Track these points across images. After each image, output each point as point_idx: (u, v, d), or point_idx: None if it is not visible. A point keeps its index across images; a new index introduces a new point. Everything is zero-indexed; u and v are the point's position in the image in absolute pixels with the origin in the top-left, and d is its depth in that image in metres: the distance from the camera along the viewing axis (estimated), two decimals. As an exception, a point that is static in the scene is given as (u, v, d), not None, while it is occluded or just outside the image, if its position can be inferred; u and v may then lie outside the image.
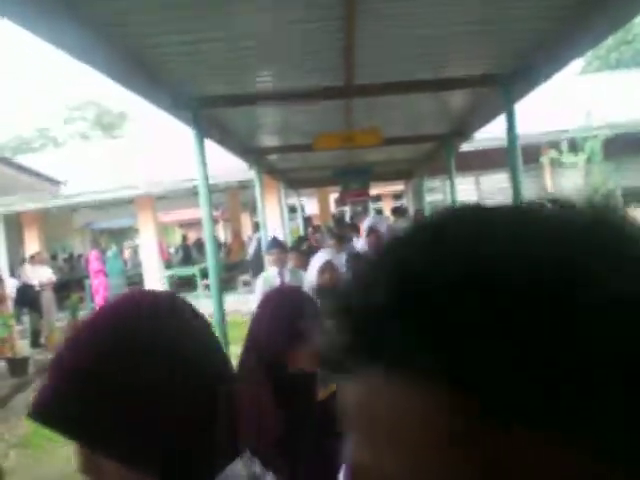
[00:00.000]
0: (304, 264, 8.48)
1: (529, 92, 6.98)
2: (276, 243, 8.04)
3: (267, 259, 8.09)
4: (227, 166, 14.09)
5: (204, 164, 6.70)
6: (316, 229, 21.28)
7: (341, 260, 8.69)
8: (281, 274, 7.55)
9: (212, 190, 7.10)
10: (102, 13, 4.36)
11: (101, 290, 20.31)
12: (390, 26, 5.35)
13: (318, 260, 5.42)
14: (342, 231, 12.35)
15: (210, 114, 7.35)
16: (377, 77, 6.78)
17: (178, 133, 7.27)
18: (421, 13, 5.10)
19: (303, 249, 10.30)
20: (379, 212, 32.03)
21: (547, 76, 6.45)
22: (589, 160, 15.80)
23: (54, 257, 25.59)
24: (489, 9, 5.08)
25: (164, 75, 5.95)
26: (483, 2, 4.91)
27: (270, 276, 7.67)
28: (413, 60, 6.41)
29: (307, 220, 27.40)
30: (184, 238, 30.14)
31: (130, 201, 22.13)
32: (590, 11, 4.84)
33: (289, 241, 17.14)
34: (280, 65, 6.33)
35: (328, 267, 5.24)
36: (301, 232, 20.84)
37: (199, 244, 26.16)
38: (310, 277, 5.40)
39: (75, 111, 56.71)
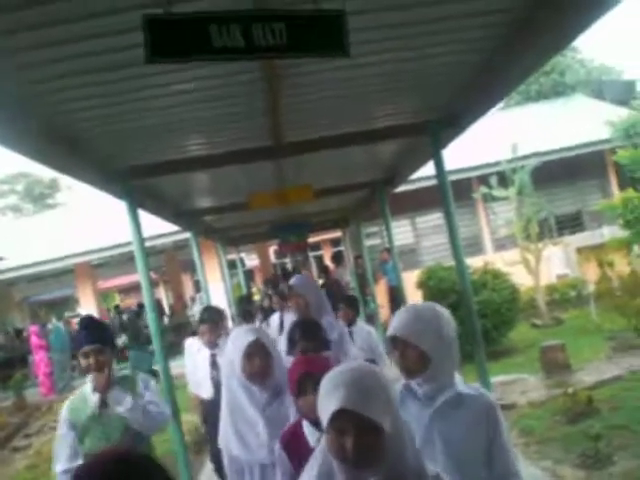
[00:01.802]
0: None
1: (456, 137, 7.11)
2: (208, 315, 7.26)
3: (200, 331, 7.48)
4: (162, 228, 13.97)
5: (139, 233, 6.62)
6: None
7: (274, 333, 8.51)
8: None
9: (149, 253, 7.12)
10: (20, 91, 4.27)
11: (42, 366, 19.82)
12: (311, 89, 5.43)
13: (240, 338, 4.04)
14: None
15: (141, 184, 7.27)
16: (305, 134, 6.84)
17: (111, 198, 7.16)
18: (339, 76, 5.17)
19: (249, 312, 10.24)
20: (320, 259, 32.19)
21: (472, 121, 6.58)
22: (520, 192, 16.11)
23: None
24: (407, 65, 5.17)
25: (91, 150, 5.86)
26: (400, 59, 4.99)
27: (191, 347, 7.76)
28: (339, 116, 6.48)
29: (248, 273, 27.33)
30: (116, 306, 29.64)
31: (68, 271, 21.87)
32: (507, 57, 4.95)
33: (231, 298, 17.07)
34: (208, 130, 6.32)
35: (255, 349, 3.98)
36: (243, 287, 20.74)
37: (134, 310, 25.77)
38: (233, 359, 4.08)
39: (4, 184, 55.81)
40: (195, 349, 7.38)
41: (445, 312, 2.93)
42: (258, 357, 3.93)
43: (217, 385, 6.52)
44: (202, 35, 2.44)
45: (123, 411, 4.33)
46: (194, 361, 7.33)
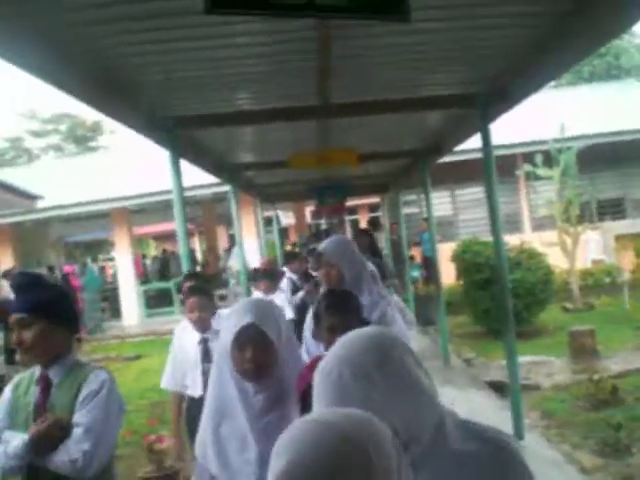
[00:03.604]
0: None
1: (505, 112, 6.99)
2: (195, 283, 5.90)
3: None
4: (201, 179, 14.01)
5: (180, 183, 6.64)
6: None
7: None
8: None
9: (187, 203, 6.98)
10: (72, 34, 4.28)
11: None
12: (362, 51, 5.38)
13: (233, 317, 2.85)
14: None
15: (185, 134, 7.28)
16: (353, 97, 6.79)
17: (152, 144, 7.17)
18: (392, 42, 5.11)
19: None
20: (355, 223, 32.15)
21: (522, 97, 6.47)
22: (564, 173, 15.90)
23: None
24: (463, 34, 5.09)
25: (138, 96, 5.89)
26: (457, 27, 4.91)
27: None
28: (388, 81, 6.42)
29: (283, 231, 27.38)
30: (164, 251, 29.93)
31: (105, 214, 22.05)
32: (565, 36, 4.85)
33: (265, 253, 17.14)
34: (256, 85, 6.30)
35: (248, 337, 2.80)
36: (277, 244, 20.80)
37: (175, 256, 25.99)
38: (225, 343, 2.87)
39: (48, 124, 56.23)
40: (180, 330, 5.77)
41: None
42: (252, 347, 2.70)
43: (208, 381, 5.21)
44: (262, -11, 2.42)
45: None
46: (179, 346, 5.64)
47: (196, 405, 4.90)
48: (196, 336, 5.41)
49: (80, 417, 3.09)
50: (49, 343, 3.15)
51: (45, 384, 3.19)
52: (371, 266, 5.57)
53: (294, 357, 2.94)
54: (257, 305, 2.82)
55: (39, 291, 3.22)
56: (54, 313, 3.18)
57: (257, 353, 2.68)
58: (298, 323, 6.16)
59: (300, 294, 8.76)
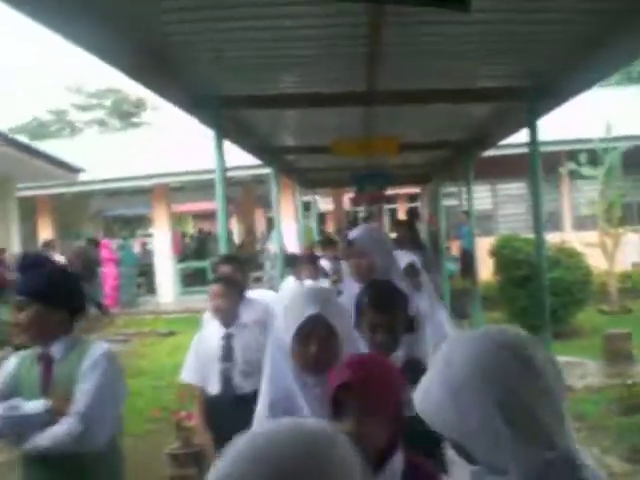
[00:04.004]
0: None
1: (553, 108, 6.90)
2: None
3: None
4: (242, 160, 14.04)
5: (223, 164, 6.66)
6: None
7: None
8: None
9: (227, 184, 6.91)
10: (122, 9, 4.29)
11: (110, 280, 20.38)
12: (413, 40, 5.31)
13: (296, 307, 2.62)
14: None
15: (230, 114, 7.29)
16: (400, 85, 6.73)
17: (195, 123, 7.19)
18: (442, 31, 5.05)
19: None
20: (393, 213, 32.00)
21: (572, 94, 6.38)
22: (608, 173, 15.67)
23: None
24: (515, 27, 5.02)
25: (185, 74, 5.90)
26: (510, 20, 4.84)
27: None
28: (437, 71, 6.36)
29: (321, 217, 27.37)
30: (200, 230, 30.09)
31: (146, 190, 22.22)
32: (619, 35, 4.75)
33: (302, 238, 17.16)
34: (303, 69, 6.27)
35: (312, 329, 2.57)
36: (314, 230, 20.77)
37: (212, 236, 26.12)
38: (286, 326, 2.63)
39: (93, 98, 56.73)
40: (207, 317, 5.38)
41: None
42: (317, 340, 2.50)
43: (227, 380, 4.82)
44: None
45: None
46: (203, 337, 5.12)
47: (211, 403, 4.87)
48: (220, 329, 4.92)
49: (81, 388, 3.10)
50: (44, 325, 3.18)
51: (47, 361, 3.21)
52: (412, 257, 5.42)
53: (354, 349, 2.73)
54: (322, 295, 2.64)
55: (38, 274, 3.24)
56: (50, 296, 3.19)
57: (322, 347, 2.52)
58: None
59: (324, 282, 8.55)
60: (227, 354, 4.85)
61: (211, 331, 5.03)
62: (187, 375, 5.01)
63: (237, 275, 5.35)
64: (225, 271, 5.39)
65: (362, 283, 3.87)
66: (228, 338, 4.96)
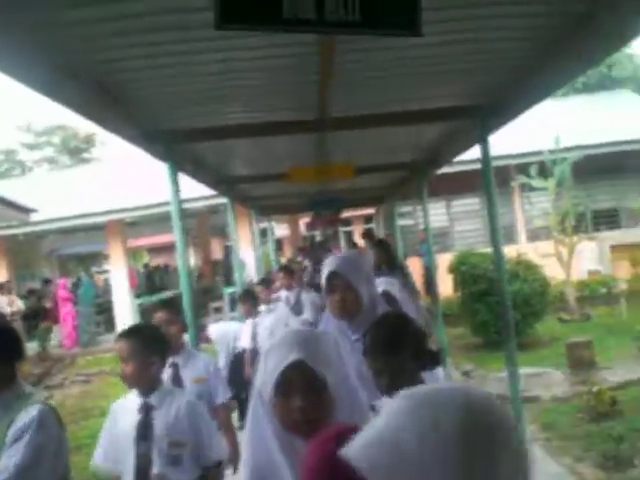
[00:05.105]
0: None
1: (504, 124, 6.98)
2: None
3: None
4: (197, 191, 13.99)
5: (178, 197, 6.62)
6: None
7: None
8: None
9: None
10: (70, 47, 4.23)
11: (69, 319, 20.10)
12: (362, 65, 5.34)
13: (275, 351, 2.14)
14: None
15: (182, 147, 7.26)
16: (351, 110, 6.76)
17: (147, 156, 7.15)
18: (392, 56, 5.09)
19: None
20: (349, 235, 32.15)
21: (523, 110, 6.47)
22: (559, 184, 15.95)
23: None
24: (462, 47, 5.07)
25: (136, 109, 5.85)
26: (456, 40, 4.89)
27: None
28: (387, 95, 6.39)
29: (278, 243, 27.39)
30: (145, 265, 29.89)
31: (100, 227, 22.02)
32: (565, 49, 4.84)
33: (261, 265, 17.13)
34: (254, 99, 6.26)
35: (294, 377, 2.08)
36: (272, 256, 20.77)
37: (162, 270, 25.98)
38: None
39: (42, 136, 56.20)
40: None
41: None
42: (301, 392, 2.04)
43: (143, 469, 3.67)
44: (274, 4, 2.38)
45: None
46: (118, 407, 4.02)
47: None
48: (137, 398, 3.84)
49: (3, 459, 2.83)
50: None
51: None
52: (390, 282, 5.05)
53: (350, 403, 2.17)
54: (305, 337, 2.16)
55: None
56: None
57: (308, 400, 2.04)
58: None
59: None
60: (143, 432, 3.68)
61: (128, 399, 3.89)
62: (97, 457, 3.86)
63: (171, 326, 4.61)
64: (161, 318, 4.64)
65: (345, 319, 3.60)
66: (175, 367, 4.48)
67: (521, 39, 4.97)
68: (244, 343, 8.15)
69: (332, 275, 3.62)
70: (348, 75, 5.50)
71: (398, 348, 2.80)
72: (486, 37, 4.89)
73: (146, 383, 3.71)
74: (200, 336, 6.95)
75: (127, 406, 3.79)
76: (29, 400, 3.02)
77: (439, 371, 3.23)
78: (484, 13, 4.39)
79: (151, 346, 3.75)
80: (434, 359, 3.03)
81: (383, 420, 1.10)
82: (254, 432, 2.15)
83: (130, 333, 3.80)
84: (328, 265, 3.70)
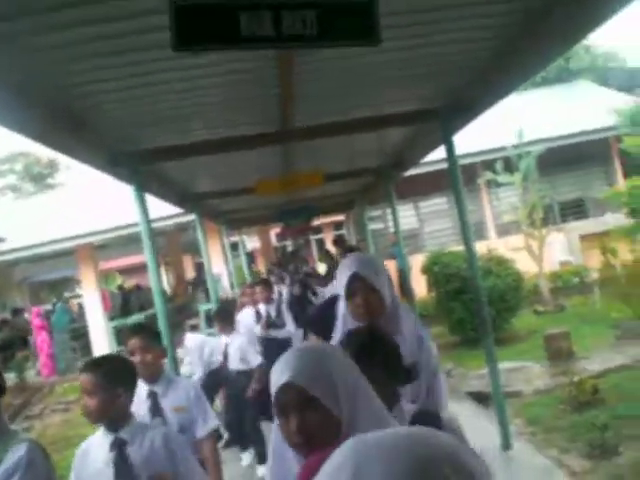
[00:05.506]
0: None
1: (467, 124, 7.04)
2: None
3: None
4: (165, 210, 13.91)
5: (147, 218, 6.57)
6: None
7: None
8: None
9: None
10: (27, 72, 4.18)
11: (44, 347, 19.88)
12: (322, 74, 5.37)
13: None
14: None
15: (147, 168, 7.20)
16: (315, 120, 6.77)
17: (109, 178, 7.10)
18: (351, 63, 5.11)
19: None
20: (320, 243, 32.13)
21: (484, 108, 6.52)
22: (525, 178, 16.07)
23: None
24: (420, 51, 5.10)
25: (97, 134, 5.80)
26: (413, 45, 4.92)
27: None
28: (350, 102, 6.43)
29: (249, 256, 27.31)
30: (120, 287, 29.63)
31: (69, 252, 21.78)
32: (523, 47, 4.89)
33: (234, 280, 17.05)
34: (216, 115, 6.25)
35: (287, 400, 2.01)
36: (245, 269, 20.70)
37: (136, 291, 25.76)
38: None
39: (3, 164, 55.59)
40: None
41: None
42: (295, 414, 1.96)
43: None
44: (231, 23, 2.35)
45: None
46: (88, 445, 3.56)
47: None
48: (107, 435, 3.43)
49: None
50: None
51: None
52: None
53: (372, 412, 2.02)
54: (296, 356, 2.04)
55: None
56: None
57: (303, 420, 1.95)
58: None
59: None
60: (122, 469, 3.39)
61: (95, 439, 3.55)
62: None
63: (147, 353, 4.28)
64: (134, 345, 4.28)
65: (367, 322, 3.35)
66: (153, 396, 4.24)
67: (478, 40, 5.01)
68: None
69: (354, 278, 3.47)
70: (309, 85, 5.51)
71: (368, 360, 2.48)
72: (443, 39, 4.92)
73: (113, 417, 3.42)
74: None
75: (96, 444, 3.49)
76: (14, 439, 2.87)
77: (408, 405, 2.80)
78: (440, 17, 4.42)
79: (117, 378, 3.43)
80: (408, 374, 2.93)
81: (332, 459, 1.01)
82: (274, 457, 2.15)
83: (94, 365, 3.50)
84: (348, 268, 3.53)
